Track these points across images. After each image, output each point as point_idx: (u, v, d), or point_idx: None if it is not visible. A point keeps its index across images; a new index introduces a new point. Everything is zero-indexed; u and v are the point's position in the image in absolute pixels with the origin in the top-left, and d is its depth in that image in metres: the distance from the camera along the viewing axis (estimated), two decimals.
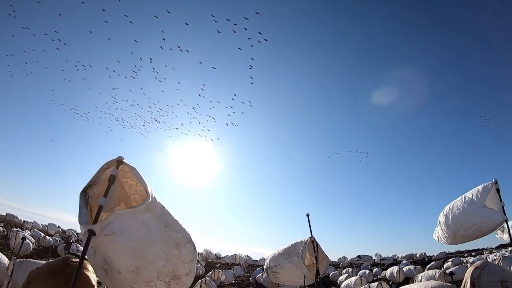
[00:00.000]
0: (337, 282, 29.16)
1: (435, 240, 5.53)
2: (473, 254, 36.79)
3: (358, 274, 26.40)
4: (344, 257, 43.90)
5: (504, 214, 4.46)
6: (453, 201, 5.11)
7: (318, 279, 5.84)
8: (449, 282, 16.01)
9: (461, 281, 4.03)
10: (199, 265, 32.43)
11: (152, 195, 1.88)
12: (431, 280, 18.12)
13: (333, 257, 43.72)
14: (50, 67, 45.59)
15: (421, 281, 19.22)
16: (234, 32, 18.41)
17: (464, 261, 30.24)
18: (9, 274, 8.35)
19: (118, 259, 1.75)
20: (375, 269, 33.67)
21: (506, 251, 28.82)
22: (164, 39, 22.69)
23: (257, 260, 43.24)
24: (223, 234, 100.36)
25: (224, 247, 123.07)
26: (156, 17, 25.53)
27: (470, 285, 3.75)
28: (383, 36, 79.05)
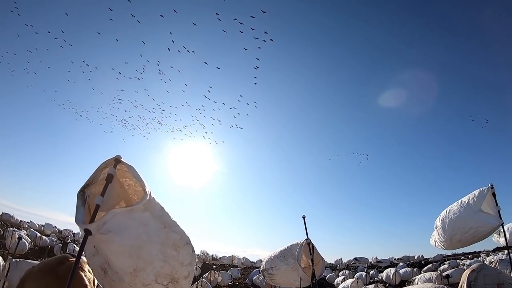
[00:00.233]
0: (334, 284, 29.20)
1: (431, 245, 5.55)
2: (469, 257, 36.91)
3: (355, 276, 26.45)
4: (340, 259, 44.00)
5: (500, 218, 4.49)
6: (450, 206, 5.14)
7: (314, 281, 5.85)
8: (446, 285, 16.06)
9: (458, 283, 4.05)
10: (195, 266, 32.32)
11: (150, 194, 1.87)
12: (427, 283, 18.17)
13: (330, 259, 43.80)
14: (53, 66, 45.32)
15: (417, 283, 19.26)
16: (241, 32, 18.31)
17: (461, 263, 30.35)
18: (5, 274, 8.33)
19: (115, 259, 1.74)
20: (371, 272, 33.74)
21: (502, 254, 28.90)
22: (173, 41, 22.46)
23: (254, 262, 43.20)
24: (220, 235, 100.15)
25: (221, 249, 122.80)
26: (162, 15, 25.31)
27: None
28: (383, 38, 79.27)
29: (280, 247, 6.81)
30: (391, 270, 28.05)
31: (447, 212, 5.09)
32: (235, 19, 18.18)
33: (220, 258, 45.97)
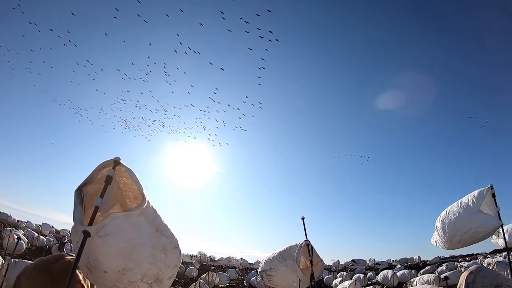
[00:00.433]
0: (332, 286, 29.19)
1: (433, 244, 5.54)
2: (467, 259, 36.98)
3: (353, 278, 26.46)
4: (338, 261, 43.99)
5: (500, 219, 4.48)
6: (449, 206, 5.13)
7: (313, 283, 5.83)
8: (444, 287, 16.06)
9: (456, 285, 4.04)
10: (193, 267, 32.30)
11: (147, 199, 1.88)
12: (426, 285, 18.19)
13: (327, 261, 43.77)
14: (56, 66, 45.14)
15: (416, 285, 19.29)
16: (247, 32, 18.23)
17: (459, 265, 30.38)
18: (3, 274, 8.30)
19: (106, 260, 1.75)
20: (369, 273, 33.74)
21: (500, 256, 28.98)
22: (180, 43, 22.31)
23: (252, 263, 43.15)
24: (218, 236, 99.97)
25: (218, 250, 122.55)
26: (167, 15, 25.20)
27: None
28: (383, 40, 79.55)
29: (279, 248, 6.79)
30: (389, 272, 28.08)
31: (447, 212, 5.08)
32: (240, 18, 18.12)
33: (218, 259, 45.91)
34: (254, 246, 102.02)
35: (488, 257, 33.20)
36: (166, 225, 2.01)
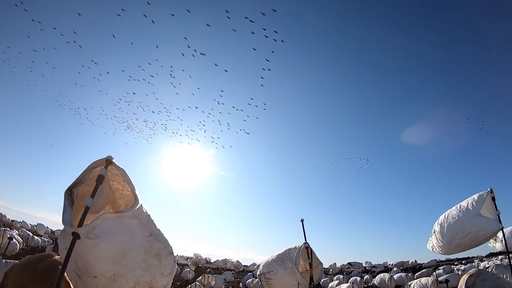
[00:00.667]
0: None
1: (429, 250, 5.49)
2: (463, 262, 37.03)
3: (350, 281, 26.41)
4: (334, 263, 43.93)
5: (500, 222, 4.44)
6: (448, 210, 5.09)
7: (312, 286, 5.76)
8: None
9: None
10: (188, 269, 32.11)
11: (140, 202, 1.81)
12: None
13: (324, 263, 43.56)
14: (58, 66, 44.83)
15: None
16: (253, 33, 18.19)
17: (455, 269, 30.43)
18: None
19: (96, 264, 1.68)
20: (366, 276, 33.69)
21: (496, 259, 29.08)
22: (188, 46, 22.19)
23: (247, 265, 43.02)
24: (213, 238, 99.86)
25: (214, 252, 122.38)
26: (173, 14, 25.12)
27: None
28: (383, 42, 79.87)
29: (278, 251, 6.72)
30: (386, 275, 28.07)
31: (446, 216, 5.04)
32: (246, 17, 18.07)
33: (213, 261, 45.72)
34: (250, 249, 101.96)
35: (484, 260, 33.33)
36: (160, 230, 1.94)
